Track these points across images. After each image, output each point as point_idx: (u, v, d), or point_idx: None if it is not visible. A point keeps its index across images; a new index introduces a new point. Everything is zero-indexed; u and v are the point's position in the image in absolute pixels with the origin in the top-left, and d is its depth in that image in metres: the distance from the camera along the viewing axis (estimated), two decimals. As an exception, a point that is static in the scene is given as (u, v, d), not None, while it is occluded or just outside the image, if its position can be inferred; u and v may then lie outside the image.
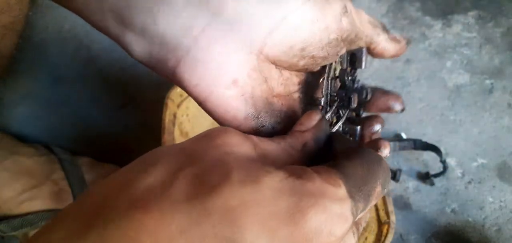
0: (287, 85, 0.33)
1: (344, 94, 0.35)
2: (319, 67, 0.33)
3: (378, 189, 0.26)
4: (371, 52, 0.37)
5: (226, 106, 0.30)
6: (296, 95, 0.34)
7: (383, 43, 0.36)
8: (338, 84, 0.36)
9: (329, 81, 0.34)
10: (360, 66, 0.36)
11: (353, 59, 0.37)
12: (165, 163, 0.22)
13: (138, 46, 0.30)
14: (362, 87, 0.40)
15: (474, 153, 0.73)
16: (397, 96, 0.41)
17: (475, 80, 0.80)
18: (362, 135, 0.39)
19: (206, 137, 0.25)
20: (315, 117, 0.30)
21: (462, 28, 0.85)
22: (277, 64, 0.31)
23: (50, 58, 0.82)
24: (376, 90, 0.41)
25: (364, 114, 0.41)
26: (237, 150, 0.24)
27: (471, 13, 0.86)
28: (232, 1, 0.27)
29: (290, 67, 0.32)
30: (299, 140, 0.28)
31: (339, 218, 0.22)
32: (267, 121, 0.32)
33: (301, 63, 0.31)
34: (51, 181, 0.64)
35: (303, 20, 0.29)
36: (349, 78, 0.38)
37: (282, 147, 0.27)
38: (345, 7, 0.31)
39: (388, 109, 0.41)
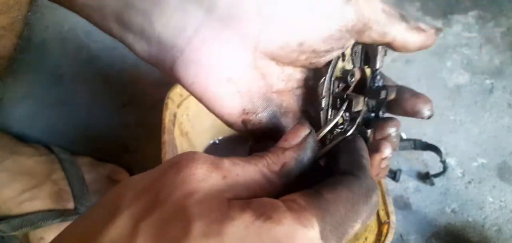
0: (289, 81, 0.32)
1: (345, 97, 0.32)
2: (325, 62, 0.31)
3: (357, 227, 0.24)
4: (392, 46, 0.32)
5: (222, 103, 0.30)
6: (298, 91, 0.33)
7: (403, 34, 0.32)
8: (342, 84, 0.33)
9: (331, 81, 0.32)
10: (374, 66, 0.33)
11: (367, 57, 0.33)
12: (128, 209, 0.21)
13: (138, 46, 0.30)
14: (383, 87, 0.35)
15: (474, 153, 0.73)
16: (426, 100, 0.35)
17: (475, 80, 0.80)
18: (373, 139, 0.36)
19: (172, 168, 0.23)
20: (300, 134, 0.27)
21: (462, 28, 0.85)
22: (277, 60, 0.30)
23: (50, 58, 0.82)
24: (404, 91, 0.36)
25: (387, 115, 0.37)
26: (203, 187, 0.22)
27: (471, 13, 0.86)
28: None
29: (292, 63, 0.31)
30: (279, 159, 0.26)
31: None
32: (265, 117, 0.31)
33: (302, 58, 0.30)
34: (51, 181, 0.64)
35: (298, 11, 0.27)
36: (367, 78, 0.34)
37: (259, 168, 0.25)
38: None
39: (415, 114, 0.35)
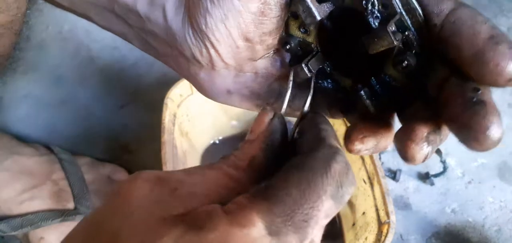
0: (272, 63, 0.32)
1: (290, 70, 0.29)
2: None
3: (326, 205, 0.21)
4: None
5: (236, 105, 0.34)
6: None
7: None
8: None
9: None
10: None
11: None
12: None
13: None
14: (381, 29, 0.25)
15: (474, 153, 0.73)
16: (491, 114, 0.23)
17: (475, 80, 0.80)
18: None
19: (113, 197, 0.22)
20: (264, 120, 0.25)
21: (462, 28, 0.85)
22: (253, 59, 0.31)
23: (50, 58, 0.82)
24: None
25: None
26: (138, 208, 0.21)
27: (471, 13, 0.86)
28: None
29: (270, 48, 0.31)
30: (246, 154, 0.24)
31: None
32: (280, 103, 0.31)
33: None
34: (51, 181, 0.64)
35: None
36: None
37: (223, 170, 0.24)
38: None
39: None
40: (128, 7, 0.31)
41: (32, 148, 0.68)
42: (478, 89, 0.22)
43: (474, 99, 0.22)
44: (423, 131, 0.23)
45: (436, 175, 0.71)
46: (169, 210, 0.21)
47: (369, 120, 0.27)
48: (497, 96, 0.78)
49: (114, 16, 0.32)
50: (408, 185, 0.71)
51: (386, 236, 0.52)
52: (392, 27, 0.24)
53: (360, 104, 0.27)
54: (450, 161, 0.73)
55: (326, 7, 0.27)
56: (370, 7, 0.25)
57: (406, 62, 0.24)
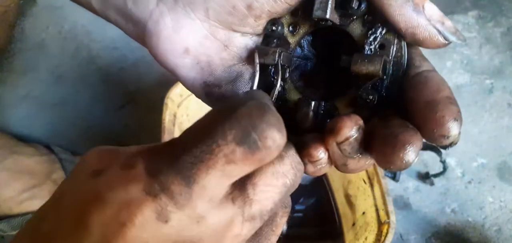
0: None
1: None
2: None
3: (227, 149, 0.19)
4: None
5: (182, 74, 0.30)
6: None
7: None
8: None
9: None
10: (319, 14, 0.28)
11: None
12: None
13: (120, 23, 0.31)
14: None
15: (474, 153, 0.73)
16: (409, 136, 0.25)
17: (475, 80, 0.80)
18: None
19: (78, 165, 0.24)
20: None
21: (462, 28, 0.85)
22: (235, 28, 0.29)
23: (50, 58, 0.82)
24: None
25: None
26: (83, 168, 0.23)
27: (471, 13, 0.86)
28: None
29: (253, 30, 0.29)
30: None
31: (126, 205, 0.19)
32: (229, 92, 0.29)
33: (261, 22, 0.28)
34: (51, 181, 0.64)
35: None
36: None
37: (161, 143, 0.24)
38: None
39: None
40: None
41: (32, 147, 0.69)
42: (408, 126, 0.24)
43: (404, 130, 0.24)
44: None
45: (436, 175, 0.71)
46: (94, 167, 0.22)
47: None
48: (497, 96, 0.78)
49: None
50: (408, 185, 0.71)
51: (386, 236, 0.52)
52: (383, 63, 0.27)
53: (301, 113, 0.29)
54: (450, 161, 0.73)
55: (335, 14, 0.28)
56: (371, 40, 0.28)
57: (371, 97, 0.27)
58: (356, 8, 0.27)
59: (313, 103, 0.29)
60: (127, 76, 0.80)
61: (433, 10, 0.26)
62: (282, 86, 0.30)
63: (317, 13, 0.27)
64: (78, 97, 0.79)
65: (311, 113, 0.28)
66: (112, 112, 0.78)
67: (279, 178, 0.22)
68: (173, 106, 0.62)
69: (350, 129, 0.24)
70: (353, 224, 0.63)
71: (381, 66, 0.26)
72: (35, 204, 0.61)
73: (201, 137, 0.20)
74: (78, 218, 0.20)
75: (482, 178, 0.72)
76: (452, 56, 0.82)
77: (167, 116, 0.60)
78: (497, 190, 0.71)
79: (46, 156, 0.67)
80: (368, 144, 0.25)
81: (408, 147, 0.23)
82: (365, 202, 0.60)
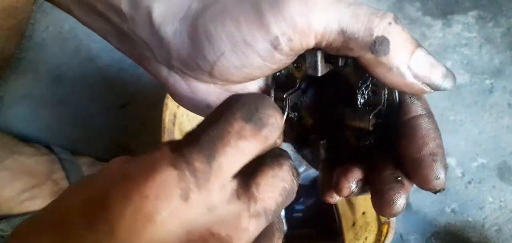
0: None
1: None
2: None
3: (237, 126, 0.22)
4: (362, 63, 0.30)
5: (203, 115, 0.33)
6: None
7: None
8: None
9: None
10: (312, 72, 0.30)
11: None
12: None
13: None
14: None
15: (474, 153, 0.74)
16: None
17: (475, 80, 0.80)
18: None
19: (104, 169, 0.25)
20: None
21: (462, 28, 0.85)
22: (240, 81, 0.31)
23: (50, 58, 0.82)
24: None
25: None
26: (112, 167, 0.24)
27: (471, 13, 0.86)
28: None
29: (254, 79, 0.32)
30: None
31: (152, 177, 0.21)
32: None
33: (257, 73, 0.31)
34: (51, 181, 0.64)
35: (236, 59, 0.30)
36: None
37: None
38: (276, 40, 0.28)
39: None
40: (112, 4, 0.31)
41: (33, 147, 0.68)
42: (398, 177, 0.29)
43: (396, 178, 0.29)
44: (355, 172, 0.30)
45: (436, 175, 0.71)
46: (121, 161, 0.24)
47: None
48: (497, 96, 0.78)
49: (95, 13, 0.32)
50: (408, 185, 0.71)
51: (386, 236, 0.52)
52: (372, 117, 0.29)
53: (316, 153, 0.33)
54: (450, 161, 0.73)
55: (327, 67, 0.31)
56: (363, 89, 0.30)
57: (368, 142, 0.31)
58: (342, 65, 0.30)
59: (321, 142, 0.32)
60: (127, 76, 0.80)
61: (419, 67, 0.28)
62: (299, 116, 0.34)
63: (309, 72, 0.30)
64: (78, 97, 0.79)
65: (322, 152, 0.32)
66: (112, 112, 0.78)
67: (279, 181, 0.24)
68: (173, 106, 0.62)
69: (350, 185, 0.30)
70: (353, 224, 0.63)
71: (369, 122, 0.29)
72: (35, 204, 0.61)
73: (214, 119, 0.22)
74: (105, 193, 0.21)
75: (482, 178, 0.72)
76: (452, 56, 0.82)
77: (167, 116, 0.60)
78: (497, 190, 0.71)
79: (46, 156, 0.67)
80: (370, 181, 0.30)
81: (394, 204, 0.28)
82: (365, 202, 0.60)
